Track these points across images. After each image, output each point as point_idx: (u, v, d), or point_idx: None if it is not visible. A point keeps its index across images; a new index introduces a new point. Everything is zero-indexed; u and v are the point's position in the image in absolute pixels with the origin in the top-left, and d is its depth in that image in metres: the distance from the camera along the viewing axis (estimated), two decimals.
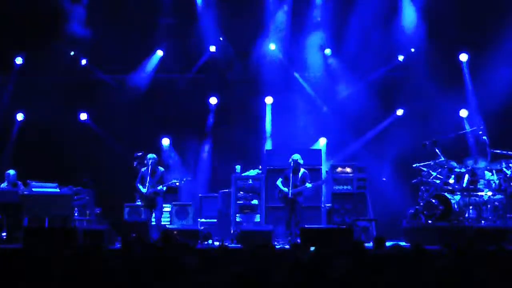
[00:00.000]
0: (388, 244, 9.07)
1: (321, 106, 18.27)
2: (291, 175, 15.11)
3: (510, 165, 14.79)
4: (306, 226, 14.60)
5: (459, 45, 17.59)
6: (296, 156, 15.26)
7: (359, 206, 16.33)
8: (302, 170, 15.21)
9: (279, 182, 15.40)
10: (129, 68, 18.59)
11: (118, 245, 13.24)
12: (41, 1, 17.86)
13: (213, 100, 18.67)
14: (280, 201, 15.37)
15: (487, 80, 17.17)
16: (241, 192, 16.42)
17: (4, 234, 14.53)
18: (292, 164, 15.13)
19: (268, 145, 18.11)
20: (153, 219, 15.21)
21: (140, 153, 16.31)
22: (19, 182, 15.53)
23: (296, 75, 18.51)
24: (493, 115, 16.66)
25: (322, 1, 18.12)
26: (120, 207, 16.81)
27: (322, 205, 16.36)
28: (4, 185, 15.48)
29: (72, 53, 18.54)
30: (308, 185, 15.12)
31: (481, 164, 15.27)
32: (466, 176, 14.86)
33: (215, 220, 16.76)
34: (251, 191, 16.44)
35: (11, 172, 15.54)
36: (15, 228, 14.43)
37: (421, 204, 15.01)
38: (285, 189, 15.10)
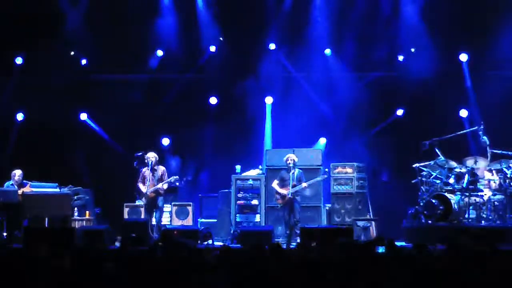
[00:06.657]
0: None
1: (321, 106, 18.24)
2: (289, 174, 15.11)
3: (510, 165, 14.79)
4: (306, 226, 14.60)
5: (459, 45, 17.58)
6: (293, 156, 15.28)
7: (359, 206, 16.33)
8: (297, 170, 15.23)
9: (275, 184, 15.41)
10: (129, 68, 18.57)
11: (118, 245, 13.22)
12: (41, 1, 17.85)
13: (213, 100, 18.66)
14: (278, 203, 15.38)
15: (487, 80, 17.16)
16: (241, 192, 16.43)
17: (4, 234, 14.53)
18: (290, 164, 15.13)
19: (268, 145, 18.09)
20: (153, 219, 15.20)
21: (140, 153, 16.28)
22: (26, 182, 15.48)
23: (296, 75, 18.49)
24: (493, 115, 16.63)
25: (322, 1, 18.10)
26: (120, 207, 16.82)
27: (322, 205, 16.37)
28: (9, 183, 15.44)
29: (72, 53, 18.52)
30: (304, 184, 15.15)
31: (481, 164, 15.26)
32: (466, 176, 14.86)
33: (215, 220, 16.76)
34: (251, 191, 16.44)
35: (18, 171, 15.49)
36: (15, 228, 14.42)
37: (421, 204, 15.01)
38: (283, 191, 15.13)
